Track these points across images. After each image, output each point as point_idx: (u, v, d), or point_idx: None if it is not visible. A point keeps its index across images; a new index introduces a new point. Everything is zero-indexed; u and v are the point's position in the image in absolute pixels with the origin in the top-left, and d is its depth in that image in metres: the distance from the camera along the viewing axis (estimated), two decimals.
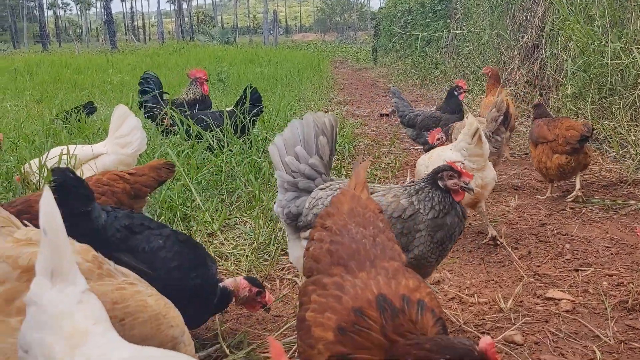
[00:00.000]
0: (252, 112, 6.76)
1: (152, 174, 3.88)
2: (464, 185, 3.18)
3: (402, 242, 3.05)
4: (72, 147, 4.79)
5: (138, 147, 4.77)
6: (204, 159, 6.20)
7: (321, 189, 3.25)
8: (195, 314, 2.76)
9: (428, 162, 5.01)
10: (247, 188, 5.70)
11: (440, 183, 3.18)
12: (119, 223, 2.75)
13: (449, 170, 3.20)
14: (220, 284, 2.96)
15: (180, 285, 2.71)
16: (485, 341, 1.69)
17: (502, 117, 5.46)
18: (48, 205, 1.70)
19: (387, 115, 11.88)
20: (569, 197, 5.87)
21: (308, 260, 2.20)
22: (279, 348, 1.39)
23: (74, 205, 2.61)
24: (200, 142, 6.33)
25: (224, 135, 6.46)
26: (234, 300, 3.06)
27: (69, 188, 2.68)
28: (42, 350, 1.60)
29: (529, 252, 4.66)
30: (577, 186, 5.77)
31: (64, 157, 4.65)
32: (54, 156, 4.65)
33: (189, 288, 2.76)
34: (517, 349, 3.28)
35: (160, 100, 7.48)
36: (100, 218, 2.72)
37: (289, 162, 3.30)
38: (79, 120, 7.53)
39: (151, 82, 7.63)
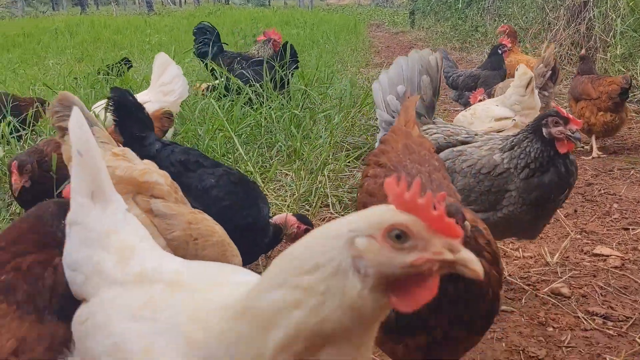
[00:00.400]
0: (292, 67, 6.70)
1: (157, 123, 3.93)
2: (570, 134, 2.79)
3: (489, 199, 2.90)
4: None
5: (180, 95, 4.81)
6: (243, 114, 6.19)
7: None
8: (247, 251, 2.79)
9: (471, 119, 4.89)
10: (287, 142, 5.68)
11: (544, 131, 2.84)
12: (175, 157, 2.76)
13: (554, 115, 2.83)
14: (270, 220, 2.98)
15: (231, 223, 2.73)
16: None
17: (550, 72, 5.32)
18: (79, 126, 1.63)
19: None
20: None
21: (363, 196, 2.18)
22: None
23: (130, 127, 2.63)
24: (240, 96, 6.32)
25: (263, 90, 6.43)
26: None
27: (128, 108, 2.69)
28: (92, 266, 1.57)
29: (575, 211, 4.55)
30: (595, 145, 5.84)
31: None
32: (99, 105, 4.71)
33: (241, 227, 2.78)
34: (564, 300, 3.24)
35: (222, 50, 7.44)
36: (154, 146, 2.74)
37: (390, 102, 3.15)
38: (120, 75, 7.59)
39: (207, 32, 7.50)
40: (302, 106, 6.36)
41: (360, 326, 1.14)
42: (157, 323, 1.32)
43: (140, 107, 2.82)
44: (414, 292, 1.14)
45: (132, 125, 2.71)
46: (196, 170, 2.80)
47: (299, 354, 1.13)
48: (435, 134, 3.16)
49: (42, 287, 1.72)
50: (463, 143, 3.08)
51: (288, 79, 6.70)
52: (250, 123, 5.87)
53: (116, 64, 8.24)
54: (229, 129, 5.16)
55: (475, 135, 3.13)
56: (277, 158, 5.50)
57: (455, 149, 3.07)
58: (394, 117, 3.12)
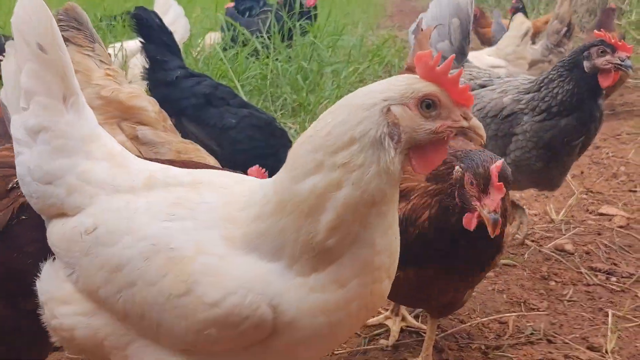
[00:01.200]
0: (304, 17, 6.55)
1: None
2: (619, 62, 2.52)
3: (498, 145, 2.76)
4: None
5: (182, 35, 4.73)
6: (248, 65, 6.07)
7: None
8: None
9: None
10: (292, 96, 5.58)
11: (586, 65, 2.58)
12: (199, 89, 2.66)
13: (599, 45, 2.57)
14: None
15: (243, 170, 2.65)
16: (496, 165, 1.64)
17: (565, 29, 5.19)
18: (41, 14, 1.42)
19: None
20: None
21: None
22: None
23: (153, 50, 2.55)
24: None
25: (270, 42, 6.28)
26: None
27: (152, 29, 2.59)
28: (76, 176, 1.45)
29: (582, 172, 4.50)
30: None
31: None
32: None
33: None
34: (568, 256, 3.20)
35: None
36: (174, 73, 2.64)
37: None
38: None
39: None
40: (310, 58, 6.23)
41: (392, 188, 1.26)
42: (197, 221, 1.32)
43: (165, 31, 2.73)
44: (430, 156, 1.27)
45: (155, 48, 2.61)
46: (219, 106, 2.68)
47: (349, 227, 1.22)
48: None
49: None
50: (482, 87, 2.94)
51: (301, 31, 6.54)
52: (256, 74, 5.76)
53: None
54: (233, 77, 5.05)
55: (498, 78, 2.97)
56: (282, 112, 5.41)
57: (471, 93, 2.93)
58: None
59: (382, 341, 2.45)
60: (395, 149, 1.21)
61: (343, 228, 1.22)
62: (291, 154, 1.30)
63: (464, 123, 1.25)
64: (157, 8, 4.76)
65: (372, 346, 2.43)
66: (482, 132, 1.27)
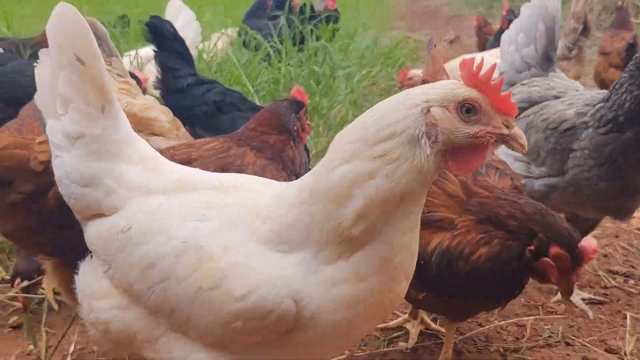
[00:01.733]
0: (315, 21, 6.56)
1: None
2: None
3: (556, 159, 2.51)
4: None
5: (193, 39, 4.78)
6: (260, 70, 6.09)
7: (523, 84, 2.79)
8: None
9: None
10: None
11: None
12: (210, 97, 2.70)
13: None
14: None
15: None
16: (590, 243, 1.64)
17: (581, 27, 5.17)
18: (79, 27, 1.50)
19: (450, 41, 11.43)
20: None
21: None
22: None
23: (165, 57, 2.59)
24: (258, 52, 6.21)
25: (282, 45, 6.30)
26: None
27: (165, 37, 2.63)
28: (113, 179, 1.55)
29: None
30: None
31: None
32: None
33: None
34: None
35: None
36: (184, 80, 2.69)
37: (510, 52, 2.90)
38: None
39: None
40: (323, 62, 6.23)
41: (423, 187, 1.30)
42: (225, 220, 1.41)
43: (178, 39, 2.78)
44: (468, 159, 1.31)
45: (168, 56, 2.66)
46: (230, 112, 2.71)
47: (375, 219, 1.28)
48: (535, 86, 2.81)
49: (285, 157, 2.18)
50: (556, 98, 2.72)
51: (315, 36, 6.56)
52: (268, 79, 5.77)
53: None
54: (247, 83, 5.07)
55: (576, 91, 2.73)
56: None
57: (543, 103, 2.71)
58: (519, 72, 2.88)
59: (402, 344, 2.45)
60: (431, 148, 1.26)
61: (368, 218, 1.27)
62: (331, 146, 1.37)
63: (505, 131, 1.29)
64: (169, 12, 4.82)
65: (391, 348, 2.43)
66: (524, 141, 1.29)
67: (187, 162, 2.04)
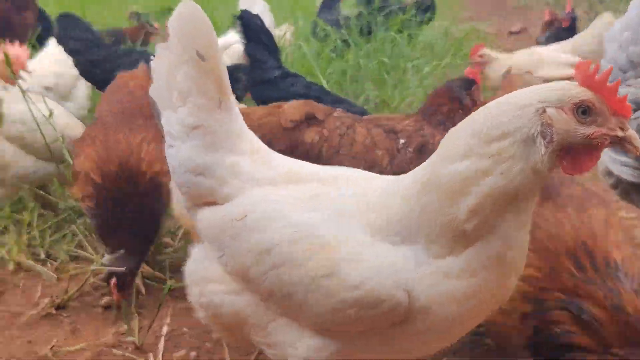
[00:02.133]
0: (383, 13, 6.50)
1: None
2: None
3: None
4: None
5: None
6: (330, 60, 6.08)
7: (628, 85, 2.60)
8: None
9: (537, 63, 4.71)
10: (374, 92, 5.53)
11: None
12: (296, 91, 2.74)
13: None
14: None
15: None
16: None
17: None
18: (201, 24, 1.57)
19: (517, 33, 11.11)
20: None
21: None
22: None
23: (254, 50, 2.65)
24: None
25: (349, 36, 6.27)
26: None
27: (253, 31, 2.70)
28: (225, 170, 1.60)
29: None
30: None
31: None
32: None
33: None
34: None
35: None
36: (272, 72, 2.74)
37: (613, 50, 2.71)
38: None
39: None
40: (391, 53, 6.16)
41: (536, 186, 1.33)
42: (338, 211, 1.45)
43: (265, 32, 2.85)
44: (581, 160, 1.33)
45: (256, 48, 2.72)
46: None
47: (487, 215, 1.30)
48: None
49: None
50: None
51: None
52: (336, 70, 5.75)
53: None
54: (319, 74, 5.06)
55: None
56: (365, 107, 5.37)
57: None
58: (623, 72, 2.68)
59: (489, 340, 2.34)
60: (546, 148, 1.28)
61: (482, 213, 1.30)
62: (445, 139, 1.40)
63: (620, 133, 1.30)
64: (242, 2, 4.87)
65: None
66: (638, 143, 1.30)
67: (394, 132, 2.37)
